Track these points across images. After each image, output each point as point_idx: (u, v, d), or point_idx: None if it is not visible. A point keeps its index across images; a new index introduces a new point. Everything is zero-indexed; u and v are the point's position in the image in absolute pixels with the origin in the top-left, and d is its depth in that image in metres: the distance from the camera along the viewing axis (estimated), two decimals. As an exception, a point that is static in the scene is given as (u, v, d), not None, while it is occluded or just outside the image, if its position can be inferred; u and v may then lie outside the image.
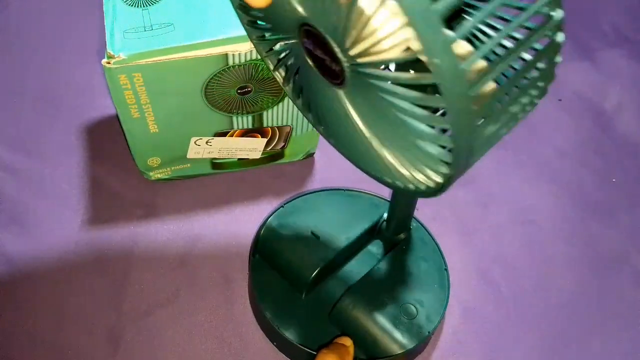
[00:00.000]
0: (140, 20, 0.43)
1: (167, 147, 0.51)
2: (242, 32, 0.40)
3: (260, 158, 0.55)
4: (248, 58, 0.44)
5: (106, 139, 0.58)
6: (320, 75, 0.31)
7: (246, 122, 0.50)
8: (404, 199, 0.45)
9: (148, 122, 0.47)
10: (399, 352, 0.43)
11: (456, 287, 0.52)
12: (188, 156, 0.53)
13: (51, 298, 0.49)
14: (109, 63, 0.42)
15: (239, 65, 0.44)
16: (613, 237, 0.56)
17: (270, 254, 0.48)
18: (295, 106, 0.44)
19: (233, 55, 0.43)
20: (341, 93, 0.31)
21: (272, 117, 0.51)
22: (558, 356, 0.49)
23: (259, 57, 0.44)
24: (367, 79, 0.27)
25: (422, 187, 0.31)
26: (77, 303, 0.49)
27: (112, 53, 0.41)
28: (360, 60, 0.27)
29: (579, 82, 0.67)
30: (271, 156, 0.56)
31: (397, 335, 0.44)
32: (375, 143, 0.31)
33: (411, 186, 0.32)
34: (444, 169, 0.29)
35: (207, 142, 0.51)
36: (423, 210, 0.56)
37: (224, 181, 0.57)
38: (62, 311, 0.48)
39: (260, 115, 0.50)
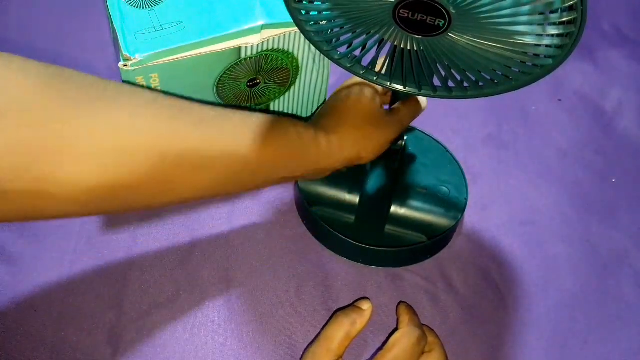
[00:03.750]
0: (149, 21, 0.43)
1: None
2: (253, 23, 0.40)
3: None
4: (259, 50, 0.44)
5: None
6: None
7: None
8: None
9: None
10: (453, 223, 0.53)
11: (456, 287, 0.52)
12: None
13: (51, 298, 0.49)
14: (126, 65, 0.41)
15: (250, 58, 0.45)
16: (613, 237, 0.56)
17: (317, 197, 0.53)
18: (304, 90, 0.46)
19: (246, 47, 0.44)
20: (445, 37, 0.36)
21: (278, 107, 0.51)
22: (558, 356, 0.49)
23: (269, 47, 0.44)
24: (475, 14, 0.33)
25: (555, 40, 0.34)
26: (77, 303, 0.49)
27: (128, 55, 0.41)
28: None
29: (579, 82, 0.67)
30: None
31: (443, 211, 0.53)
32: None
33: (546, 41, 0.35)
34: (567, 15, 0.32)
35: None
36: (423, 210, 0.56)
37: (224, 181, 0.57)
38: (62, 311, 0.48)
39: (268, 107, 0.50)
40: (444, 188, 0.55)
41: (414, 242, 0.52)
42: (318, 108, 0.55)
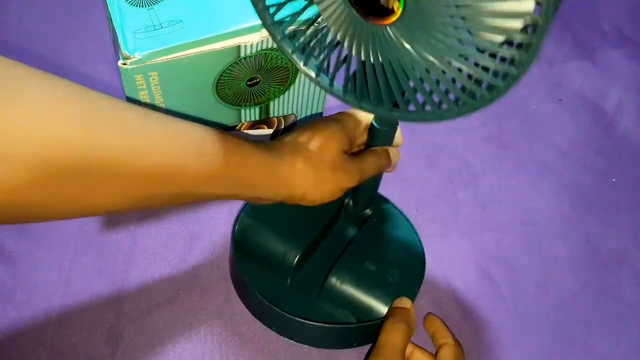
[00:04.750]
0: (148, 19, 0.43)
1: None
2: (253, 22, 0.40)
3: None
4: (259, 48, 0.44)
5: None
6: (365, 24, 0.32)
7: (253, 114, 0.51)
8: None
9: None
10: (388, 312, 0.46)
11: (456, 287, 0.52)
12: None
13: (51, 298, 0.49)
14: (125, 64, 0.41)
15: (250, 57, 0.45)
16: (613, 237, 0.56)
17: (249, 247, 0.49)
18: (304, 89, 0.45)
19: (245, 46, 0.44)
20: (390, 30, 0.31)
21: (278, 106, 0.51)
22: (558, 356, 0.49)
23: (269, 46, 0.44)
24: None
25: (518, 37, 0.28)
26: (76, 303, 0.49)
27: (127, 54, 0.41)
28: None
29: (579, 82, 0.67)
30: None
31: (388, 298, 0.47)
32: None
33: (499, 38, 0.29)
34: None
35: None
36: (422, 211, 0.56)
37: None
38: (61, 311, 0.48)
39: (267, 106, 0.51)
40: (396, 272, 0.48)
41: (341, 322, 0.47)
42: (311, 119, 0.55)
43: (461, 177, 0.58)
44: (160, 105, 0.46)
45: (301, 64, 0.38)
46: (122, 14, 0.43)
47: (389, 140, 0.45)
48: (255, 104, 0.50)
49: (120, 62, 0.41)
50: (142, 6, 0.44)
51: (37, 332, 0.47)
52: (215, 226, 0.54)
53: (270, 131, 0.54)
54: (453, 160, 0.60)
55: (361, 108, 0.37)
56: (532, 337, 0.50)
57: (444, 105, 0.33)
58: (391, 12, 0.30)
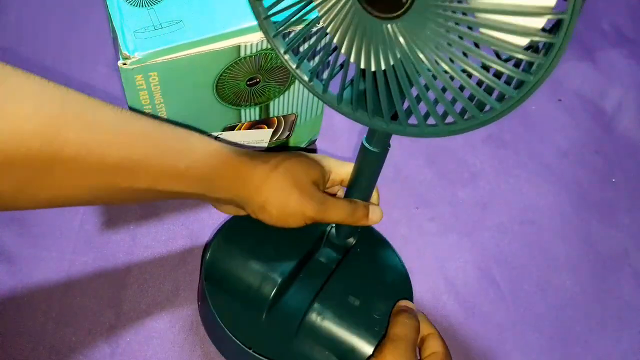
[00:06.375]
0: (148, 19, 0.43)
1: None
2: (253, 22, 0.39)
3: (267, 149, 0.56)
4: (259, 48, 0.44)
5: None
6: (368, 18, 0.29)
7: (253, 114, 0.51)
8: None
9: None
10: (373, 352, 0.43)
11: (456, 287, 0.52)
12: None
13: (50, 298, 0.49)
14: (125, 64, 0.41)
15: (250, 56, 0.45)
16: (613, 237, 0.56)
17: (221, 279, 0.45)
18: (304, 88, 0.43)
19: (245, 46, 0.44)
20: (395, 27, 0.28)
21: (278, 106, 0.51)
22: (558, 356, 0.49)
23: (269, 46, 0.44)
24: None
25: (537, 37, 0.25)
26: (76, 302, 0.49)
27: (127, 54, 0.41)
28: None
29: (579, 82, 0.67)
30: (277, 146, 0.56)
31: (372, 337, 0.43)
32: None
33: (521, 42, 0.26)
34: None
35: (216, 138, 0.52)
36: (423, 210, 0.56)
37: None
38: (61, 311, 0.48)
39: (267, 106, 0.51)
40: (382, 307, 0.44)
41: None
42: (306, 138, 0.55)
43: (461, 177, 0.58)
44: (160, 106, 0.46)
45: (294, 66, 0.36)
46: (122, 14, 0.43)
47: (373, 170, 0.42)
48: (255, 104, 0.50)
49: (120, 62, 0.41)
50: (142, 6, 0.44)
51: (36, 332, 0.47)
52: (215, 226, 0.54)
53: (270, 131, 0.54)
54: (453, 160, 0.60)
55: (356, 119, 0.35)
56: (532, 337, 0.50)
57: (449, 118, 0.31)
58: (398, 3, 0.27)
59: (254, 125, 0.52)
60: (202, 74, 0.45)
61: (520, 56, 0.25)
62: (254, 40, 0.44)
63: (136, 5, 0.44)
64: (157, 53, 0.42)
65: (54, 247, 0.51)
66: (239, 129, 0.52)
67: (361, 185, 0.43)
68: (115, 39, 0.43)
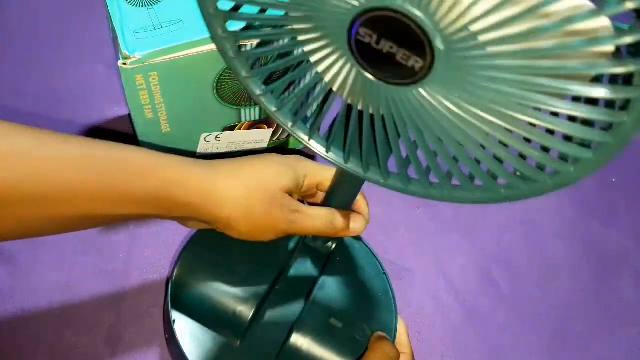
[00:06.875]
0: (148, 19, 0.43)
1: (177, 145, 0.51)
2: None
3: (267, 149, 0.56)
4: None
5: (106, 138, 0.58)
6: (374, 81, 0.25)
7: (253, 113, 0.51)
8: (344, 193, 0.39)
9: (161, 122, 0.47)
10: None
11: (456, 287, 0.52)
12: (197, 153, 0.53)
13: (50, 298, 0.49)
14: (125, 64, 0.41)
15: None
16: (613, 237, 0.56)
17: (189, 300, 0.41)
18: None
19: (245, 46, 0.44)
20: (413, 91, 0.24)
21: None
22: (558, 356, 0.49)
23: None
24: (470, 58, 0.21)
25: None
26: (76, 303, 0.49)
27: (127, 53, 0.41)
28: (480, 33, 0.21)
29: (579, 82, 0.67)
30: (277, 146, 0.56)
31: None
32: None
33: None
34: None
35: (216, 138, 0.52)
36: (423, 210, 0.56)
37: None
38: (61, 311, 0.48)
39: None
40: (365, 327, 0.41)
41: None
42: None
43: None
44: (160, 106, 0.46)
45: (273, 109, 0.31)
46: (122, 14, 0.43)
47: (356, 179, 0.36)
48: (256, 104, 0.50)
49: (120, 62, 0.41)
50: (142, 6, 0.44)
51: (36, 332, 0.47)
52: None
53: (270, 131, 0.54)
54: (453, 160, 0.60)
55: (350, 172, 0.31)
56: (532, 337, 0.50)
57: (477, 181, 0.26)
58: (408, 72, 0.23)
59: (254, 125, 0.52)
60: (202, 74, 0.45)
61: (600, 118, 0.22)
62: (254, 40, 0.44)
63: (136, 5, 0.44)
64: (157, 53, 0.42)
65: (54, 247, 0.51)
66: (239, 129, 0.52)
67: (340, 192, 0.39)
68: (115, 38, 0.43)
